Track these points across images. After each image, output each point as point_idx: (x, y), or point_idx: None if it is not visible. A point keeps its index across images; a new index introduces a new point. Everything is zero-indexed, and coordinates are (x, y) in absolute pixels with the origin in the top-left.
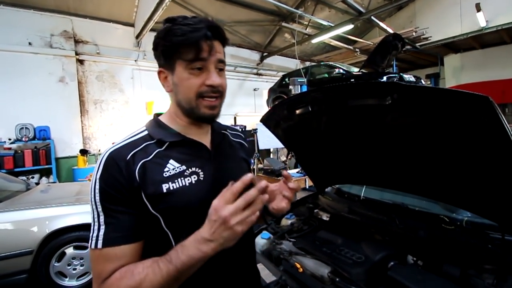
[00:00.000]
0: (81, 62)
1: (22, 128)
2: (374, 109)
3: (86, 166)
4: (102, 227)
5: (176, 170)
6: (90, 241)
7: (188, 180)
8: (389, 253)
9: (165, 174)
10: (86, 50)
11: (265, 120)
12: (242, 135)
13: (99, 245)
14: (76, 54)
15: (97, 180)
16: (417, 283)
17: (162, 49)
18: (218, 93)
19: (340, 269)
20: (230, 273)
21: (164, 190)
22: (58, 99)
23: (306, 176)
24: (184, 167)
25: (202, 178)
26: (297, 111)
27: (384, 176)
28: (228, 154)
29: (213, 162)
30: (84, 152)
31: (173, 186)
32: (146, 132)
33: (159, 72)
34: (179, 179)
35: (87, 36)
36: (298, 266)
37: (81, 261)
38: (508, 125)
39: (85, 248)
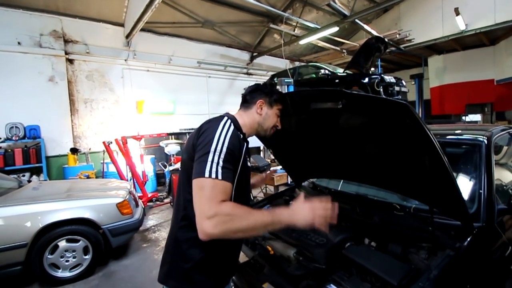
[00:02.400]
0: (70, 61)
1: (12, 127)
2: (331, 112)
3: (77, 164)
4: (220, 169)
5: (247, 157)
6: (206, 173)
7: (248, 164)
8: (348, 236)
9: (246, 158)
10: (75, 49)
11: None
12: None
13: (219, 176)
14: (66, 53)
15: (227, 140)
16: (363, 259)
17: (276, 97)
18: (275, 131)
19: (304, 250)
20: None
21: (246, 164)
22: (48, 98)
23: None
24: (247, 157)
25: (249, 164)
26: None
27: (345, 170)
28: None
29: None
30: (74, 150)
31: (247, 164)
32: (232, 125)
33: (261, 101)
34: (248, 163)
35: (77, 35)
36: (269, 248)
37: (74, 253)
38: (427, 126)
39: (77, 241)
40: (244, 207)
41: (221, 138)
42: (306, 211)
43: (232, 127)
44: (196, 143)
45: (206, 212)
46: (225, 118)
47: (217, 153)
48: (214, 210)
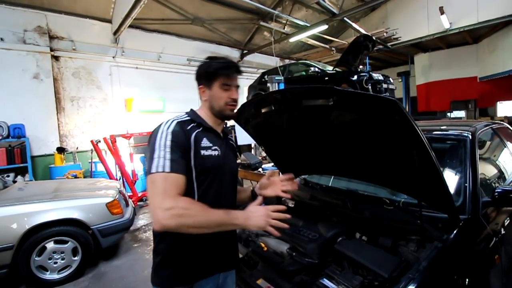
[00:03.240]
0: (56, 58)
1: None
2: (322, 109)
3: (64, 164)
4: (168, 162)
5: (207, 145)
6: (153, 169)
7: (213, 153)
8: (339, 231)
9: (202, 145)
10: (61, 46)
11: (236, 118)
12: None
13: (167, 169)
14: (51, 50)
15: (168, 134)
16: (355, 253)
17: (206, 74)
18: (235, 103)
19: (297, 245)
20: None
21: (201, 154)
22: (32, 96)
23: None
24: (211, 144)
25: (219, 153)
26: (263, 110)
27: (336, 166)
28: (228, 142)
29: (224, 145)
30: (61, 150)
31: (204, 153)
32: (189, 118)
33: (200, 88)
34: (209, 150)
35: (63, 32)
36: (263, 245)
37: (62, 254)
38: (415, 122)
39: (65, 242)
40: (199, 204)
41: (163, 134)
42: (260, 216)
43: (174, 122)
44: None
45: (162, 203)
46: (171, 118)
47: (161, 148)
48: (171, 203)
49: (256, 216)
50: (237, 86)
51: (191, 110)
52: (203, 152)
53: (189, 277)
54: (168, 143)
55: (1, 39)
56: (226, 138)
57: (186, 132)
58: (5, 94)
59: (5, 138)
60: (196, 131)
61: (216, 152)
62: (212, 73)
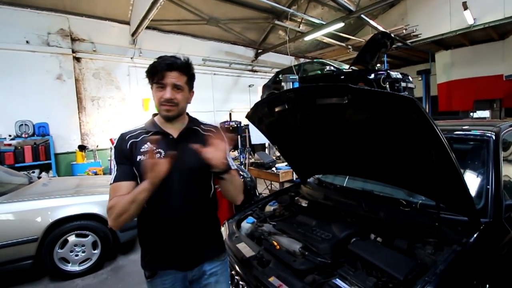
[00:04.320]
0: (77, 59)
1: (22, 124)
2: (336, 107)
3: (85, 161)
4: (115, 172)
5: (147, 149)
6: (110, 182)
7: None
8: (353, 231)
9: (142, 150)
10: (82, 48)
11: (250, 117)
12: (214, 130)
13: (112, 181)
14: (73, 52)
15: (113, 149)
16: (369, 254)
17: (147, 75)
18: (172, 103)
19: (310, 245)
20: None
21: (138, 159)
22: (56, 96)
23: None
24: (153, 148)
25: (160, 156)
26: (276, 109)
27: (351, 166)
28: (190, 141)
29: (174, 146)
30: (82, 148)
31: (141, 158)
32: (143, 125)
33: (151, 88)
34: (147, 155)
35: (84, 34)
36: (275, 243)
37: (83, 247)
38: (434, 121)
39: (86, 236)
40: (121, 196)
41: (114, 149)
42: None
43: (118, 136)
44: None
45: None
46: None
47: (112, 160)
48: (106, 209)
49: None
50: (175, 85)
51: (152, 115)
52: (140, 157)
53: (150, 264)
54: (113, 157)
55: (27, 41)
56: (185, 138)
57: (125, 142)
58: (31, 94)
59: (30, 136)
60: (134, 139)
61: (157, 155)
62: (148, 72)
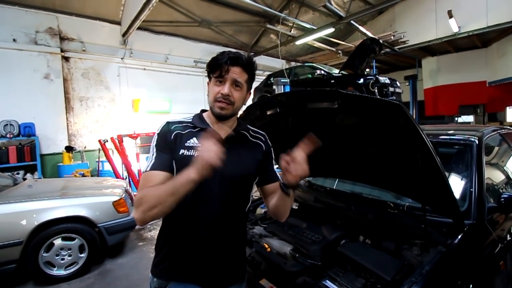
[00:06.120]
0: (66, 59)
1: (7, 124)
2: (327, 111)
3: (72, 162)
4: (153, 159)
5: (193, 144)
6: (144, 168)
7: (196, 152)
8: (343, 233)
9: (186, 144)
10: (71, 47)
11: (242, 119)
12: (263, 138)
13: (148, 169)
14: (62, 51)
15: (156, 135)
16: (358, 255)
17: (207, 68)
18: (228, 100)
19: (300, 247)
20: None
21: (180, 153)
22: (43, 95)
23: None
24: (199, 145)
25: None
26: (268, 112)
27: (341, 169)
28: (237, 146)
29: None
30: (69, 149)
31: (184, 153)
32: (191, 119)
33: (208, 83)
34: (191, 150)
35: (73, 33)
36: (266, 246)
37: (69, 251)
38: (420, 126)
39: (72, 239)
40: (156, 186)
41: (154, 137)
42: (206, 152)
43: (164, 123)
44: None
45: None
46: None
47: (151, 150)
48: (135, 200)
49: (201, 157)
50: (235, 81)
51: (200, 110)
52: (183, 151)
53: (167, 274)
54: (154, 143)
55: (14, 40)
56: (232, 142)
57: (170, 131)
58: (17, 93)
59: (15, 136)
60: (179, 130)
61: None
62: (209, 66)
